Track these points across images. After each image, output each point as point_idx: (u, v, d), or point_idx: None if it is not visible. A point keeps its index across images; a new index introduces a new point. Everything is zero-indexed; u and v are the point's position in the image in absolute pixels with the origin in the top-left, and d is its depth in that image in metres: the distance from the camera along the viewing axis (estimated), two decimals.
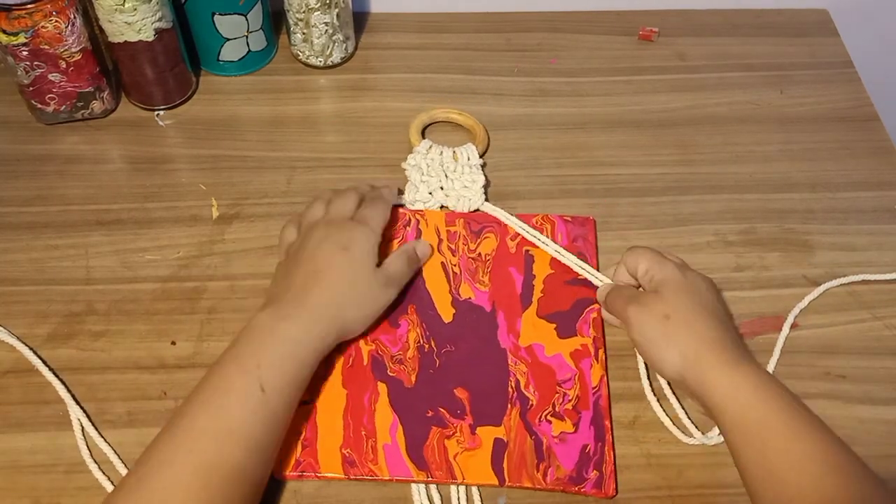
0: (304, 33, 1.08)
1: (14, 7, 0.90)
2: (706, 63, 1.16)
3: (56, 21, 0.93)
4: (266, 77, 1.12)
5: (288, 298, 0.79)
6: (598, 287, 0.91)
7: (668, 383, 0.85)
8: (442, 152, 1.00)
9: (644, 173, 1.03)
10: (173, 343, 0.87)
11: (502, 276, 0.93)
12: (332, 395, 0.83)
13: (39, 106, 1.01)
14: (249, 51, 1.10)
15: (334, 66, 1.13)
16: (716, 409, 0.76)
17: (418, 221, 0.96)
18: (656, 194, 1.01)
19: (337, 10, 1.06)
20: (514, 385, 0.85)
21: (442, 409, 0.83)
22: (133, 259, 0.93)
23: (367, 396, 0.83)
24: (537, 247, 0.95)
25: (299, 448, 0.80)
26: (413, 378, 0.85)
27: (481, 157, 1.02)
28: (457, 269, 0.93)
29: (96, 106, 1.03)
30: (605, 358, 0.87)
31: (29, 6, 0.91)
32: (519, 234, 0.96)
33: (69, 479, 0.78)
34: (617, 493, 0.79)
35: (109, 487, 0.78)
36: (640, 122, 1.09)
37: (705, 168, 1.04)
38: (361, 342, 0.87)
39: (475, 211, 0.98)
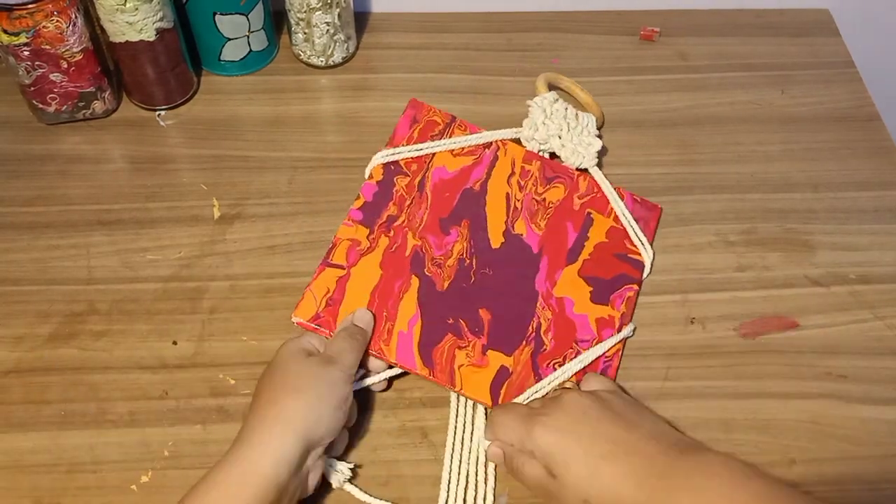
0: (305, 33, 1.09)
1: (15, 7, 0.90)
2: (707, 63, 1.16)
3: (57, 21, 0.93)
4: (267, 77, 1.12)
5: (254, 438, 0.71)
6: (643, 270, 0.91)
7: None
8: (567, 108, 1.01)
9: (645, 173, 1.03)
10: (174, 343, 0.87)
11: (558, 226, 0.95)
12: (368, 270, 0.88)
13: (41, 106, 1.01)
14: (251, 51, 1.10)
15: (335, 65, 1.13)
16: None
17: (498, 148, 1.00)
18: (657, 194, 1.01)
19: (338, 9, 1.06)
20: (534, 326, 0.88)
21: (462, 321, 0.87)
22: (134, 259, 0.93)
23: (398, 284, 0.88)
24: (601, 213, 0.97)
25: (323, 303, 0.85)
26: (445, 284, 0.89)
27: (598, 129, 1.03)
28: (518, 205, 0.96)
29: (97, 106, 1.03)
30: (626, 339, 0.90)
31: (30, 6, 0.91)
32: (588, 195, 0.98)
33: (71, 478, 0.78)
34: None
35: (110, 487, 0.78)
36: (641, 121, 1.09)
37: (707, 168, 1.04)
38: (410, 234, 0.91)
39: (583, 170, 1.00)
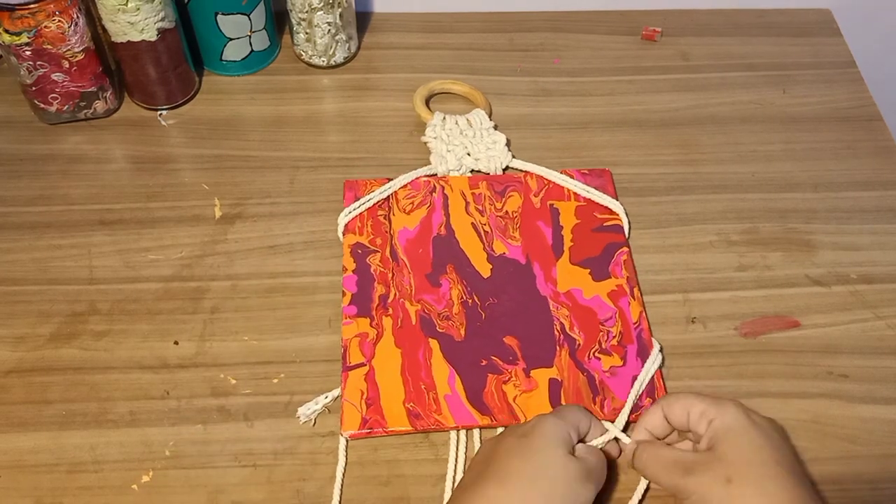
0: (307, 33, 1.09)
1: (17, 7, 0.90)
2: (709, 63, 1.16)
3: (59, 21, 0.93)
4: (269, 77, 1.12)
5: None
6: (622, 441, 0.80)
7: None
8: (457, 121, 1.04)
9: (646, 173, 1.03)
10: (176, 343, 0.87)
11: (531, 229, 0.97)
12: (387, 355, 0.86)
13: (42, 106, 1.01)
14: (252, 50, 1.10)
15: (337, 65, 1.13)
16: None
17: (443, 188, 1.00)
18: (659, 194, 1.01)
19: (340, 9, 1.06)
20: (559, 328, 0.89)
21: (494, 358, 0.87)
22: (136, 259, 0.93)
23: (420, 353, 0.87)
24: (561, 200, 0.99)
25: (364, 406, 0.83)
26: (462, 332, 0.88)
27: (490, 118, 1.06)
28: (487, 228, 0.97)
29: (99, 106, 1.04)
30: (641, 295, 0.92)
31: (32, 6, 0.91)
32: (542, 190, 1.00)
33: (71, 478, 0.78)
34: None
35: (111, 486, 0.78)
36: (642, 121, 1.09)
37: (708, 168, 1.04)
38: (406, 303, 0.90)
39: (506, 169, 1.03)
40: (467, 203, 0.99)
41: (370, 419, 0.82)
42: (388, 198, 0.98)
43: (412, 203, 0.98)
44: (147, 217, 0.97)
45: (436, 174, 1.01)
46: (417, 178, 1.00)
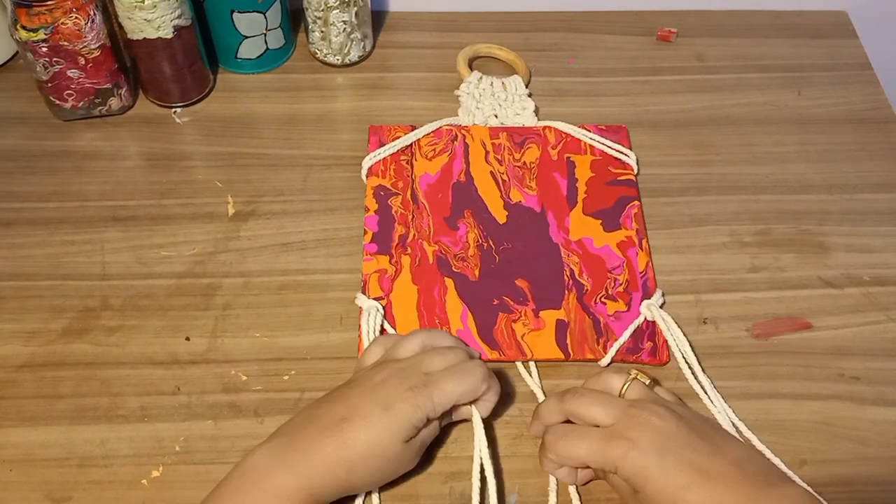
0: (322, 31, 1.09)
1: (34, 3, 0.91)
2: (724, 64, 1.16)
3: (76, 18, 0.93)
4: (283, 75, 1.12)
5: (297, 441, 0.71)
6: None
7: None
8: (492, 83, 1.09)
9: (660, 173, 1.03)
10: (187, 339, 0.87)
11: (548, 180, 1.01)
12: (405, 291, 0.91)
13: (57, 102, 1.02)
14: (267, 48, 1.10)
15: (352, 64, 1.13)
16: None
17: (464, 136, 1.04)
18: (673, 194, 1.01)
19: (356, 8, 1.06)
20: (569, 274, 0.93)
21: (506, 298, 0.91)
22: (148, 255, 0.94)
23: (436, 290, 0.91)
24: (578, 154, 1.03)
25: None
26: (476, 273, 0.93)
27: (526, 87, 1.10)
28: (505, 177, 1.01)
29: (114, 102, 1.04)
30: (649, 247, 0.95)
31: (49, 3, 0.91)
32: (560, 143, 1.04)
33: (82, 472, 0.79)
34: (669, 360, 0.87)
35: (121, 481, 0.78)
36: (657, 122, 1.08)
37: (722, 169, 1.04)
38: (424, 244, 0.94)
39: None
40: (487, 152, 1.03)
41: None
42: (411, 144, 1.02)
43: (434, 150, 1.03)
44: (160, 214, 0.97)
45: (459, 125, 1.05)
46: (440, 127, 1.04)
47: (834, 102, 1.11)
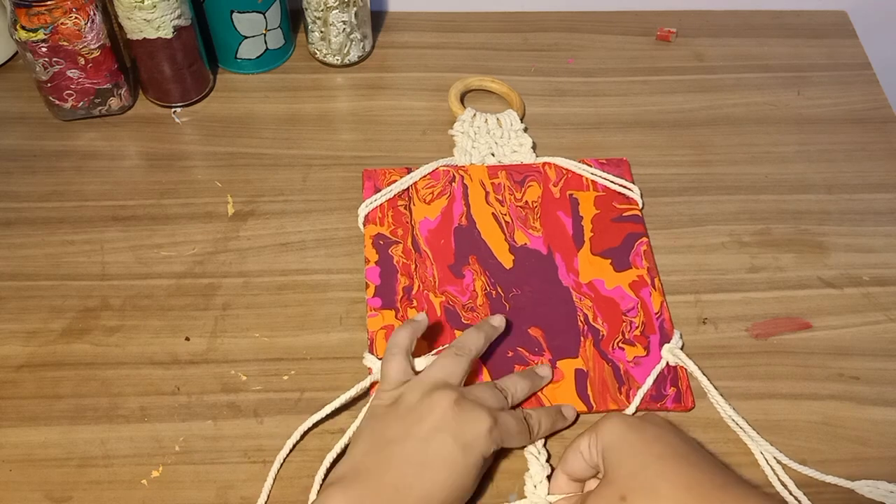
0: (321, 31, 1.09)
1: (34, 3, 0.91)
2: (724, 64, 1.16)
3: (76, 18, 0.93)
4: (283, 75, 1.12)
5: (380, 489, 0.70)
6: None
7: None
8: (486, 119, 1.05)
9: (660, 173, 1.03)
10: (187, 339, 0.87)
11: (552, 220, 0.97)
12: (415, 348, 0.85)
13: (57, 102, 1.02)
14: (267, 49, 1.10)
15: (351, 64, 1.13)
16: None
17: (462, 177, 1.01)
18: (672, 194, 1.01)
19: (355, 8, 1.06)
20: (583, 319, 0.90)
21: (521, 349, 0.87)
22: (148, 255, 0.94)
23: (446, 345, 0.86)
24: (580, 190, 1.00)
25: None
26: None
27: (521, 121, 1.07)
28: (507, 218, 0.97)
29: (114, 102, 1.04)
30: (661, 285, 0.92)
31: (49, 3, 0.91)
32: (561, 180, 1.01)
33: (82, 472, 0.79)
34: (694, 405, 0.85)
35: (121, 481, 0.78)
36: (656, 122, 1.09)
37: (721, 168, 1.04)
38: (431, 295, 0.91)
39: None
40: (487, 193, 0.99)
41: None
42: (407, 188, 0.99)
43: (432, 193, 0.99)
44: (160, 214, 0.97)
45: (456, 165, 1.02)
46: (437, 169, 1.01)
47: (834, 102, 1.12)
